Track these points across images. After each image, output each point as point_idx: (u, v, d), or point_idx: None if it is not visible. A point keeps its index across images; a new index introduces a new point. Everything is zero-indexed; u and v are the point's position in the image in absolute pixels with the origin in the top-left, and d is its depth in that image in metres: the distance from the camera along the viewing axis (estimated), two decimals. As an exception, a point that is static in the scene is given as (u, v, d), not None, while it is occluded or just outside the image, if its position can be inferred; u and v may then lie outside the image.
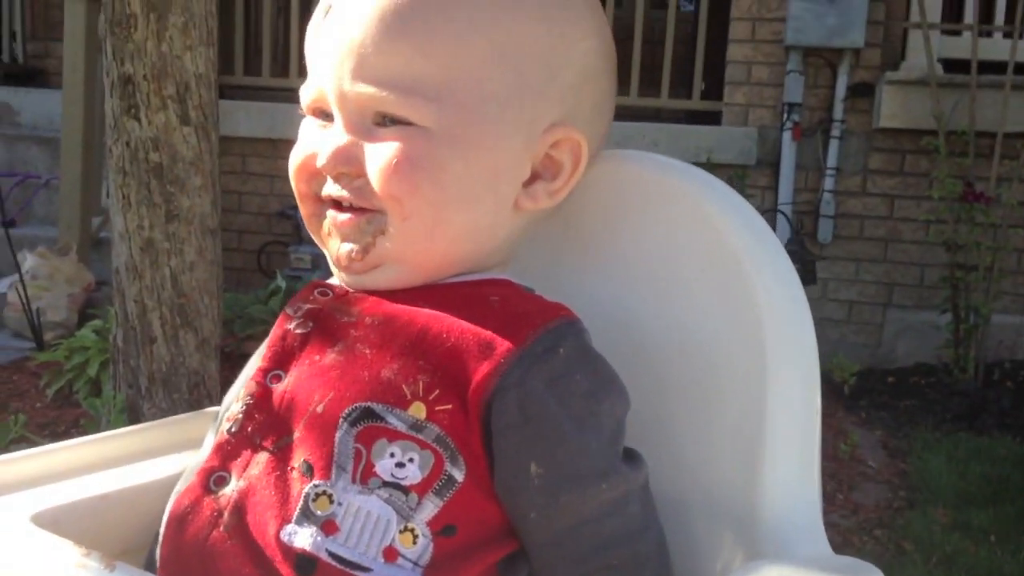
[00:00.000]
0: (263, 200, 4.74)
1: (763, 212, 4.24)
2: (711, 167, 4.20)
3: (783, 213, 4.30)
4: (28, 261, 3.91)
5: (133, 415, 2.24)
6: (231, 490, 0.69)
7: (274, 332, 0.77)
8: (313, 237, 0.79)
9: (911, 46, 4.41)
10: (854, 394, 4.10)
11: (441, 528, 0.66)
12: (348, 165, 0.73)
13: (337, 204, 0.75)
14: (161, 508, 0.75)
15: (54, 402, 3.17)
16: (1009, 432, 3.57)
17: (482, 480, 0.68)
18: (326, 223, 0.76)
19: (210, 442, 0.76)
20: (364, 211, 0.73)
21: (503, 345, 0.68)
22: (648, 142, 4.50)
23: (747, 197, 3.23)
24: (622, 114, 5.06)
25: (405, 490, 0.66)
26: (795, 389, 0.70)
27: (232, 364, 3.36)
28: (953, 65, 4.34)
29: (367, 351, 0.71)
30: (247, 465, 0.70)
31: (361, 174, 0.73)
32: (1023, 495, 3.00)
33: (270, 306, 3.42)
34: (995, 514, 2.86)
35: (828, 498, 3.04)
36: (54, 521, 0.68)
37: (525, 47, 0.74)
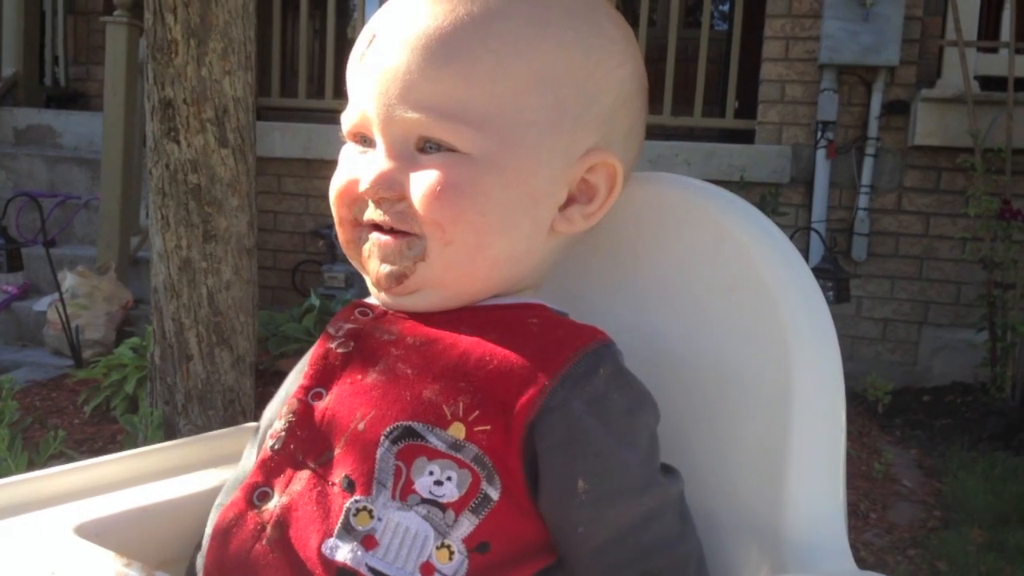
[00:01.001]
0: (298, 219, 4.80)
1: (797, 230, 4.24)
2: (744, 185, 4.20)
3: (816, 231, 4.28)
4: (68, 280, 3.99)
5: (169, 431, 2.28)
6: (274, 505, 0.71)
7: (315, 350, 0.78)
8: (351, 260, 0.81)
9: (947, 63, 4.39)
10: (889, 413, 4.06)
11: (476, 545, 0.68)
12: (390, 190, 0.74)
13: (378, 227, 0.77)
14: (200, 521, 0.78)
15: (92, 418, 3.22)
16: (1047, 453, 3.52)
17: (517, 499, 0.70)
18: (366, 246, 0.78)
19: (251, 457, 0.78)
20: (405, 235, 0.75)
21: (546, 369, 0.70)
22: (681, 161, 4.51)
23: (780, 215, 3.22)
24: (655, 133, 5.07)
25: (443, 507, 0.68)
26: (820, 408, 0.71)
27: (266, 381, 3.40)
28: (990, 82, 4.31)
29: (408, 371, 0.73)
30: (289, 481, 0.72)
31: (403, 198, 0.74)
32: (1062, 516, 2.96)
33: (304, 324, 3.46)
34: (1033, 535, 2.82)
35: (862, 517, 3.01)
36: (97, 533, 0.70)
37: (564, 74, 0.75)
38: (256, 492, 0.72)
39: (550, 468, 0.69)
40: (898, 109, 4.39)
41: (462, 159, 0.73)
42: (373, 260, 0.77)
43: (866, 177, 4.40)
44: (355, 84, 0.78)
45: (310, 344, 0.81)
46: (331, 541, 0.67)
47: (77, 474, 0.79)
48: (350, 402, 0.73)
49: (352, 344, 0.77)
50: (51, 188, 4.93)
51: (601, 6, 0.79)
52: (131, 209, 4.40)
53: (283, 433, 0.74)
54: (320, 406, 0.74)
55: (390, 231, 0.76)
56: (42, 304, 4.20)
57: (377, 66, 0.75)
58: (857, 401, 3.99)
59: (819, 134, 4.42)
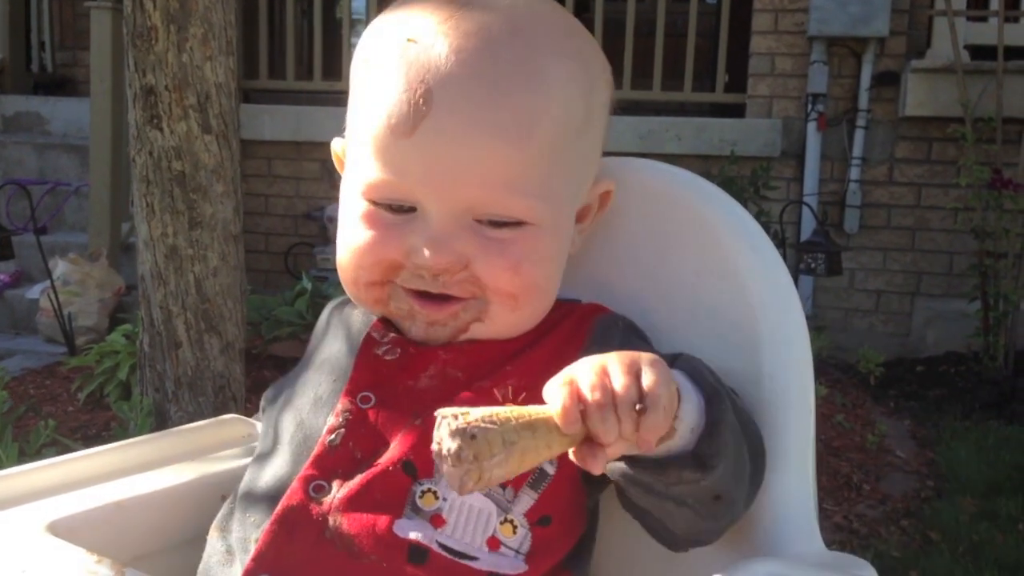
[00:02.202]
0: (289, 202, 4.79)
1: (788, 204, 4.23)
2: (735, 160, 4.20)
3: (807, 205, 4.28)
4: (59, 267, 3.98)
5: (160, 418, 2.28)
6: (332, 497, 0.73)
7: (361, 355, 0.80)
8: (372, 310, 0.81)
9: (937, 33, 4.37)
10: (883, 384, 4.07)
11: (538, 519, 0.72)
12: (458, 263, 0.75)
13: (422, 293, 0.77)
14: (177, 515, 0.78)
15: (86, 406, 3.22)
16: (1040, 421, 3.53)
17: (571, 470, 0.72)
18: (400, 306, 0.78)
19: (275, 457, 0.79)
20: (460, 300, 0.76)
21: (577, 340, 0.77)
22: (672, 136, 4.50)
23: (771, 189, 3.21)
24: (646, 109, 5.05)
25: (503, 485, 0.72)
26: (790, 391, 0.71)
27: (259, 366, 3.40)
28: (980, 52, 4.29)
29: (459, 374, 0.76)
30: (348, 474, 0.74)
31: (465, 268, 0.75)
32: (1054, 484, 2.97)
33: (296, 307, 3.45)
34: (1024, 504, 2.84)
35: (855, 488, 3.03)
36: (69, 529, 0.70)
37: (584, 120, 0.77)
38: (312, 484, 0.74)
39: None
40: (888, 80, 4.38)
41: (532, 231, 0.75)
42: (416, 323, 0.78)
43: (857, 149, 4.39)
44: (402, 153, 0.74)
45: (303, 328, 0.83)
46: (401, 521, 0.70)
47: (50, 471, 0.79)
48: (404, 404, 0.76)
49: (399, 351, 0.79)
50: (40, 175, 4.91)
51: (587, 34, 0.81)
52: (121, 195, 4.39)
53: (343, 429, 0.76)
54: (371, 409, 0.77)
55: (439, 297, 0.76)
56: (34, 292, 4.19)
57: (439, 142, 0.72)
58: (851, 373, 4.00)
59: (810, 107, 4.40)
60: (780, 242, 4.11)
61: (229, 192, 2.21)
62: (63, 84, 5.46)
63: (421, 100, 0.71)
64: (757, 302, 0.73)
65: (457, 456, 0.55)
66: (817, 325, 4.30)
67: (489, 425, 0.57)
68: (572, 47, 0.77)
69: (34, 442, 2.19)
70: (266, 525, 0.73)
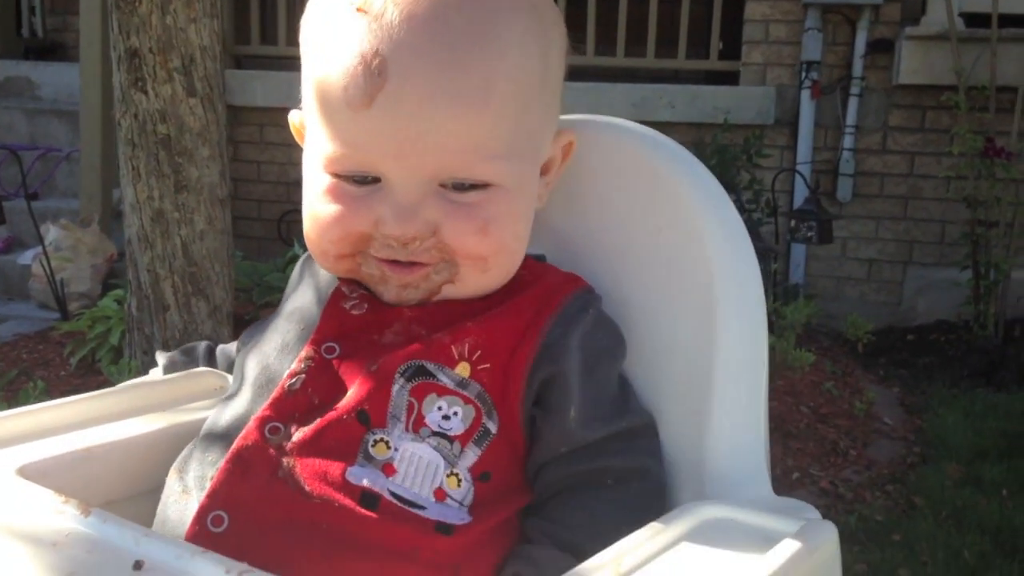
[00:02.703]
0: (281, 169, 4.78)
1: (779, 172, 4.23)
2: (728, 127, 4.19)
3: (800, 173, 4.27)
4: (51, 233, 3.98)
5: (150, 381, 2.29)
6: (285, 440, 0.74)
7: (329, 307, 0.81)
8: (343, 275, 0.81)
9: (931, 0, 4.34)
10: (873, 352, 4.09)
11: (480, 474, 0.74)
12: (426, 230, 0.75)
13: (392, 260, 0.77)
14: (145, 462, 0.79)
15: (78, 370, 3.24)
16: (1028, 388, 3.56)
17: (511, 434, 0.76)
18: (371, 272, 0.79)
19: (235, 400, 0.80)
20: (430, 264, 0.77)
21: (542, 313, 0.77)
22: (665, 104, 4.49)
23: (764, 157, 3.21)
24: (640, 76, 5.02)
25: (450, 439, 0.74)
26: (742, 343, 0.72)
27: (251, 331, 3.41)
28: (975, 19, 4.27)
29: (423, 331, 0.77)
30: (304, 419, 0.75)
31: (433, 235, 0.75)
32: (1039, 450, 3.00)
33: (287, 274, 3.45)
34: (1009, 468, 2.86)
35: (841, 455, 3.05)
36: (40, 473, 0.71)
37: (545, 76, 0.77)
38: (268, 426, 0.75)
39: (548, 398, 0.76)
40: (882, 47, 4.36)
41: (498, 192, 0.75)
42: (388, 286, 0.79)
43: (851, 117, 4.38)
44: (360, 126, 0.73)
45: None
46: (353, 468, 0.72)
47: (23, 418, 0.80)
48: (367, 357, 0.77)
49: (366, 307, 0.80)
50: (31, 141, 4.90)
51: None
52: (112, 161, 4.36)
53: (303, 375, 0.77)
54: (334, 359, 0.78)
55: (410, 264, 0.77)
56: (26, 257, 4.20)
57: (399, 113, 0.71)
58: (841, 341, 4.02)
59: (803, 74, 4.39)
60: (772, 210, 4.12)
61: (215, 156, 2.20)
62: (53, 49, 5.43)
63: (376, 71, 0.71)
64: (713, 255, 0.74)
65: None
66: (808, 293, 4.32)
67: None
68: (526, 2, 0.76)
69: (23, 404, 2.19)
70: (221, 463, 0.74)
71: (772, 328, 3.21)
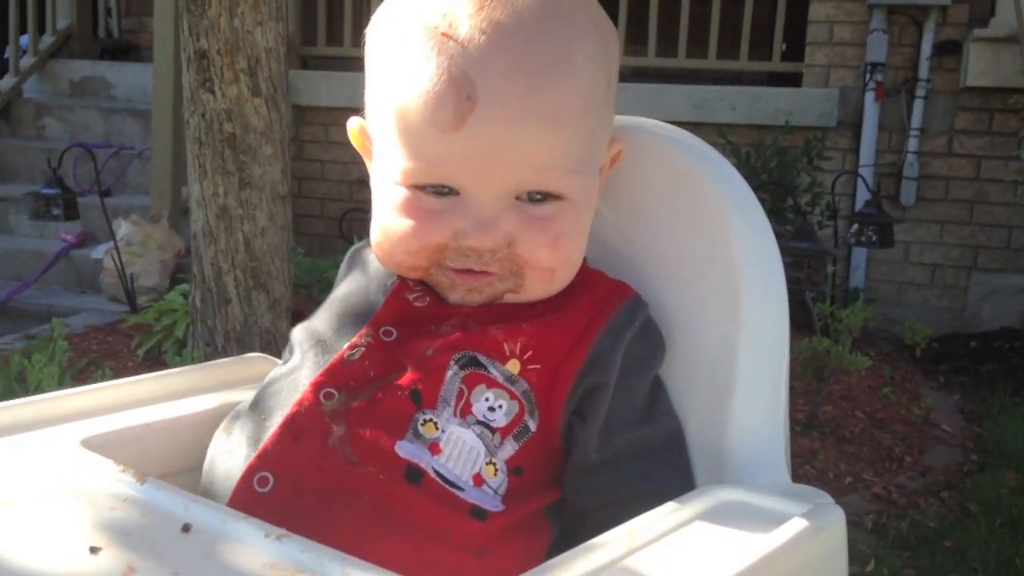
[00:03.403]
0: (344, 168, 4.87)
1: (840, 174, 4.19)
2: (790, 129, 4.16)
3: (860, 176, 4.23)
4: (122, 228, 4.12)
5: (212, 371, 2.37)
6: (338, 405, 0.78)
7: (393, 295, 0.85)
8: (412, 276, 0.84)
9: (1001, 1, 4.27)
10: (934, 359, 4.03)
11: (514, 468, 0.77)
12: (504, 242, 0.78)
13: (466, 270, 0.81)
14: (199, 439, 0.84)
15: (145, 361, 3.35)
16: (1092, 397, 3.48)
17: (549, 434, 0.79)
18: (442, 279, 0.82)
19: (304, 363, 0.83)
20: (498, 273, 0.80)
21: (595, 322, 0.80)
22: (726, 105, 4.48)
23: (825, 159, 3.19)
24: (702, 77, 5.00)
25: (492, 430, 0.77)
26: (765, 339, 0.75)
27: (311, 326, 3.49)
28: (1045, 20, 4.18)
29: (476, 325, 0.81)
30: (358, 388, 0.79)
31: (508, 247, 0.79)
32: (1100, 460, 2.94)
33: (348, 270, 3.52)
34: (1069, 479, 2.81)
35: (897, 460, 3.02)
36: (101, 445, 0.77)
37: (606, 94, 0.81)
38: (323, 391, 0.79)
39: (590, 405, 0.79)
40: (950, 49, 4.29)
41: (569, 205, 0.79)
42: (456, 291, 0.82)
43: (916, 120, 4.33)
44: (446, 145, 0.76)
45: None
46: (403, 443, 0.75)
47: (86, 396, 0.86)
48: (423, 343, 0.81)
49: (428, 300, 0.84)
50: (106, 139, 5.07)
51: (596, 2, 0.84)
52: (182, 159, 4.47)
53: (362, 348, 0.81)
54: (391, 342, 0.82)
55: (482, 272, 0.80)
56: (98, 252, 4.35)
57: (487, 135, 0.75)
58: (901, 347, 3.97)
59: (868, 76, 4.34)
60: (832, 213, 4.08)
61: (277, 154, 2.28)
62: (128, 50, 5.60)
63: (467, 96, 0.74)
64: (738, 254, 0.77)
65: None
66: (869, 297, 4.27)
67: None
68: (591, 22, 0.80)
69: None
70: (275, 427, 0.78)
71: (828, 332, 3.19)
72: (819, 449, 2.98)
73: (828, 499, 0.65)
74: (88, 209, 4.34)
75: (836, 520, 0.63)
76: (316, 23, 4.98)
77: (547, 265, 0.79)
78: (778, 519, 0.63)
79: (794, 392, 3.35)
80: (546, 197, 0.78)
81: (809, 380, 3.16)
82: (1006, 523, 2.55)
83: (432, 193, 0.79)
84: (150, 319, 3.39)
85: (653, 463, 0.79)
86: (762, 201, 3.35)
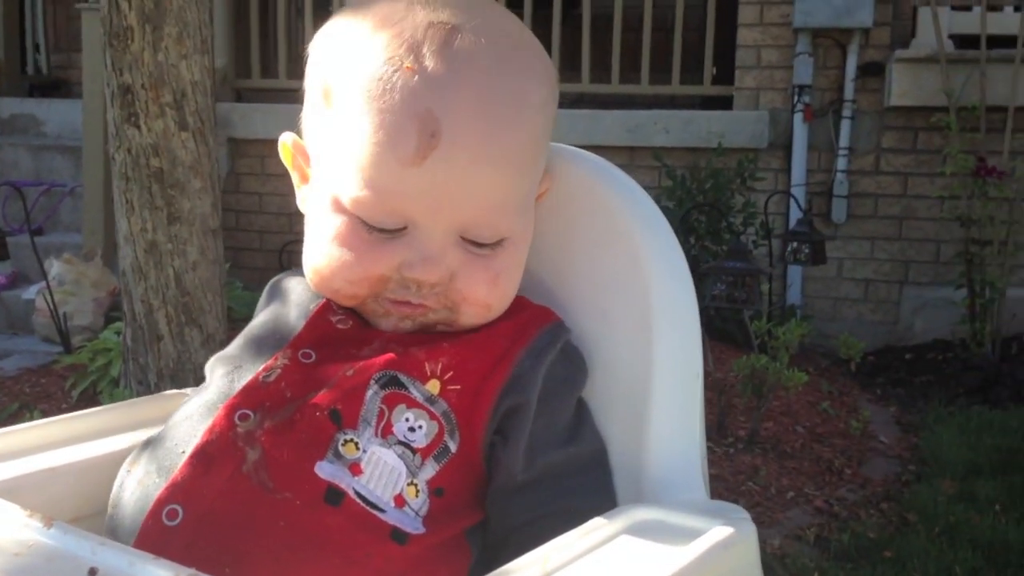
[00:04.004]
0: (283, 200, 4.83)
1: (772, 194, 4.26)
2: (722, 152, 4.23)
3: (792, 196, 4.31)
4: (54, 267, 4.04)
5: (146, 410, 2.32)
6: (253, 426, 0.76)
7: (314, 318, 0.84)
8: (347, 304, 0.83)
9: (921, 23, 4.40)
10: (870, 372, 4.11)
11: (435, 489, 0.76)
12: (445, 276, 0.79)
13: (404, 301, 0.81)
14: (110, 481, 0.82)
15: (79, 403, 3.27)
16: (1024, 404, 3.57)
17: (470, 455, 0.79)
18: (376, 308, 0.82)
19: (216, 387, 0.81)
20: (434, 307, 0.80)
21: (516, 344, 0.81)
22: (660, 129, 4.54)
23: (758, 180, 3.26)
24: (636, 102, 5.07)
25: (413, 451, 0.76)
26: (677, 356, 0.76)
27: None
28: (966, 41, 4.32)
29: (399, 348, 0.80)
30: (275, 409, 0.77)
31: (450, 281, 0.79)
32: (1033, 466, 3.01)
33: (286, 303, 3.49)
34: (1003, 484, 2.87)
35: (837, 473, 3.07)
36: (8, 491, 0.75)
37: (549, 133, 0.82)
38: (238, 412, 0.77)
39: (512, 425, 0.79)
40: (873, 71, 4.41)
41: (510, 243, 0.80)
42: (389, 319, 0.82)
43: (844, 139, 4.43)
44: (403, 180, 0.75)
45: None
46: (322, 464, 0.74)
47: (-6, 441, 0.84)
48: (343, 365, 0.79)
49: (351, 323, 0.83)
50: (36, 177, 4.97)
51: (540, 44, 0.84)
52: (113, 195, 4.44)
53: (278, 370, 0.79)
54: (310, 364, 0.81)
55: (419, 305, 0.80)
56: (30, 292, 4.25)
57: (446, 173, 0.74)
58: (838, 361, 4.03)
59: (796, 98, 4.44)
60: (766, 233, 4.15)
61: (207, 188, 2.25)
62: (58, 86, 5.52)
63: (431, 132, 0.73)
64: (649, 273, 0.78)
65: None
66: (805, 314, 4.34)
67: None
68: (543, 64, 0.81)
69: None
70: (187, 455, 0.76)
71: (765, 349, 3.24)
72: (761, 465, 3.01)
73: (743, 514, 0.65)
74: (18, 248, 4.24)
75: (748, 535, 0.64)
76: (250, 55, 4.96)
77: (485, 302, 0.80)
78: (692, 535, 0.63)
79: (735, 410, 3.39)
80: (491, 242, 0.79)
81: (749, 397, 3.19)
82: (944, 531, 2.60)
83: (380, 229, 0.78)
84: (84, 359, 3.32)
85: (577, 481, 0.79)
86: (698, 222, 3.41)
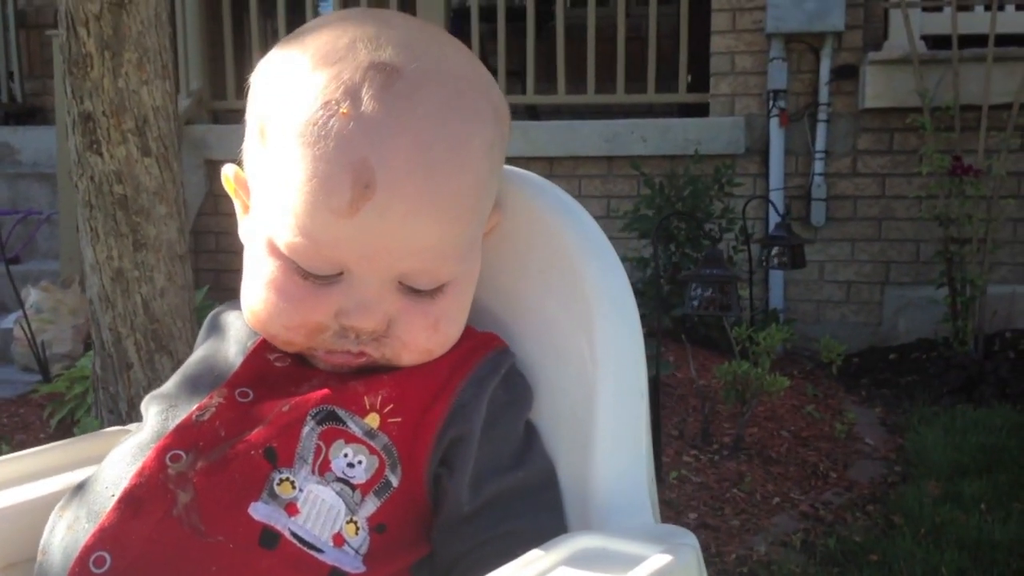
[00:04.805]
0: (261, 221, 4.81)
1: (750, 199, 4.26)
2: (700, 159, 4.23)
3: (770, 201, 4.31)
4: (32, 296, 4.01)
5: (118, 440, 2.30)
6: (185, 467, 0.74)
7: (251, 356, 0.81)
8: (287, 351, 0.81)
9: (893, 25, 4.41)
10: (855, 373, 4.10)
11: (376, 525, 0.74)
12: (383, 323, 0.76)
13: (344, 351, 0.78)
14: (43, 526, 0.80)
15: (58, 432, 3.24)
16: (1008, 401, 3.56)
17: (413, 489, 0.76)
18: (316, 353, 0.79)
19: (150, 426, 0.79)
20: (374, 355, 0.78)
21: (458, 374, 0.78)
22: (637, 138, 4.54)
23: (735, 186, 3.27)
24: (613, 112, 5.08)
25: (352, 487, 0.74)
26: (622, 375, 0.74)
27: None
28: (938, 41, 4.34)
29: (336, 382, 0.78)
30: (208, 449, 0.75)
31: (388, 327, 0.77)
32: (1017, 463, 3.00)
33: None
34: (988, 483, 2.87)
35: (822, 476, 3.05)
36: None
37: (497, 174, 0.80)
38: (169, 454, 0.75)
39: (456, 455, 0.76)
40: (847, 73, 4.42)
41: (451, 288, 0.78)
42: (324, 364, 0.79)
43: (820, 143, 4.44)
44: (336, 229, 0.72)
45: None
46: (257, 504, 0.72)
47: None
48: (280, 402, 0.77)
49: (289, 361, 0.81)
50: (12, 205, 4.94)
51: (490, 77, 0.82)
52: (91, 222, 4.41)
53: (213, 409, 0.77)
54: (246, 403, 0.78)
55: (360, 354, 0.78)
56: (7, 321, 4.22)
57: (381, 224, 0.72)
58: (822, 364, 4.03)
59: (771, 103, 4.45)
60: (746, 238, 4.15)
61: (173, 213, 2.23)
62: (33, 113, 5.50)
63: (364, 184, 0.71)
64: (591, 291, 0.76)
65: None
66: (788, 318, 4.33)
67: None
68: (490, 107, 0.78)
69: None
70: (115, 498, 0.73)
71: (746, 354, 3.22)
72: (746, 471, 2.99)
73: (688, 539, 0.64)
74: (-6, 278, 4.20)
75: (689, 561, 0.62)
76: (224, 77, 4.94)
77: (425, 347, 0.78)
78: (632, 563, 0.61)
79: (719, 416, 3.38)
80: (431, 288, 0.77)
81: (733, 403, 3.18)
82: (930, 532, 2.59)
83: (315, 276, 0.76)
84: (61, 387, 3.29)
85: (526, 504, 0.77)
86: (678, 230, 3.39)
